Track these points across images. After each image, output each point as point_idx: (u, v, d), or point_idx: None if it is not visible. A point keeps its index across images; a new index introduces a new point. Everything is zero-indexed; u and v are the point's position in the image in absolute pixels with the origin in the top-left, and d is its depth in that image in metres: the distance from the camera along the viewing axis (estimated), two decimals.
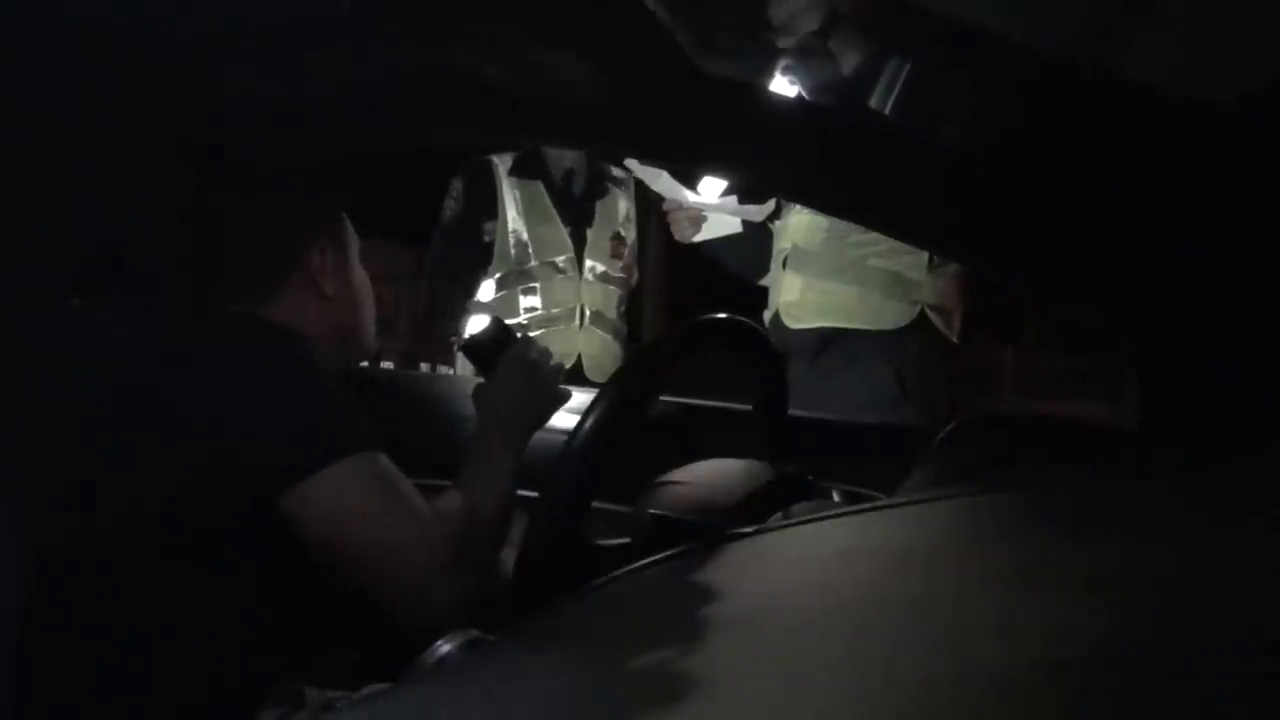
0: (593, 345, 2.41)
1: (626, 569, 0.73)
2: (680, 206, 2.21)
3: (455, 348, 2.42)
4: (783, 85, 1.82)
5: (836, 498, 0.97)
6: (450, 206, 2.48)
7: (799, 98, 1.80)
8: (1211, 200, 0.95)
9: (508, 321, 2.45)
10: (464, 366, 2.34)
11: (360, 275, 1.22)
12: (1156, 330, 1.03)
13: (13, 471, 1.05)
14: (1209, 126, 0.91)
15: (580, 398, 1.29)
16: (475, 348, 1.17)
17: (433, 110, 1.21)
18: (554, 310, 2.40)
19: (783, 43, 1.77)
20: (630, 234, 2.54)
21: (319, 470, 0.95)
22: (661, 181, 2.15)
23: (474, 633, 0.74)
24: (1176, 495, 0.66)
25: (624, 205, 2.54)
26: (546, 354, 1.16)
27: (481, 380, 1.16)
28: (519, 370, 1.13)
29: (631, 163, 2.20)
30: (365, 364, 2.33)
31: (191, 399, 0.99)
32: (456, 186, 2.48)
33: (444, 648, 0.72)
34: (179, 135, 1.24)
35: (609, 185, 2.52)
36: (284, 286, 1.14)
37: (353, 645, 1.06)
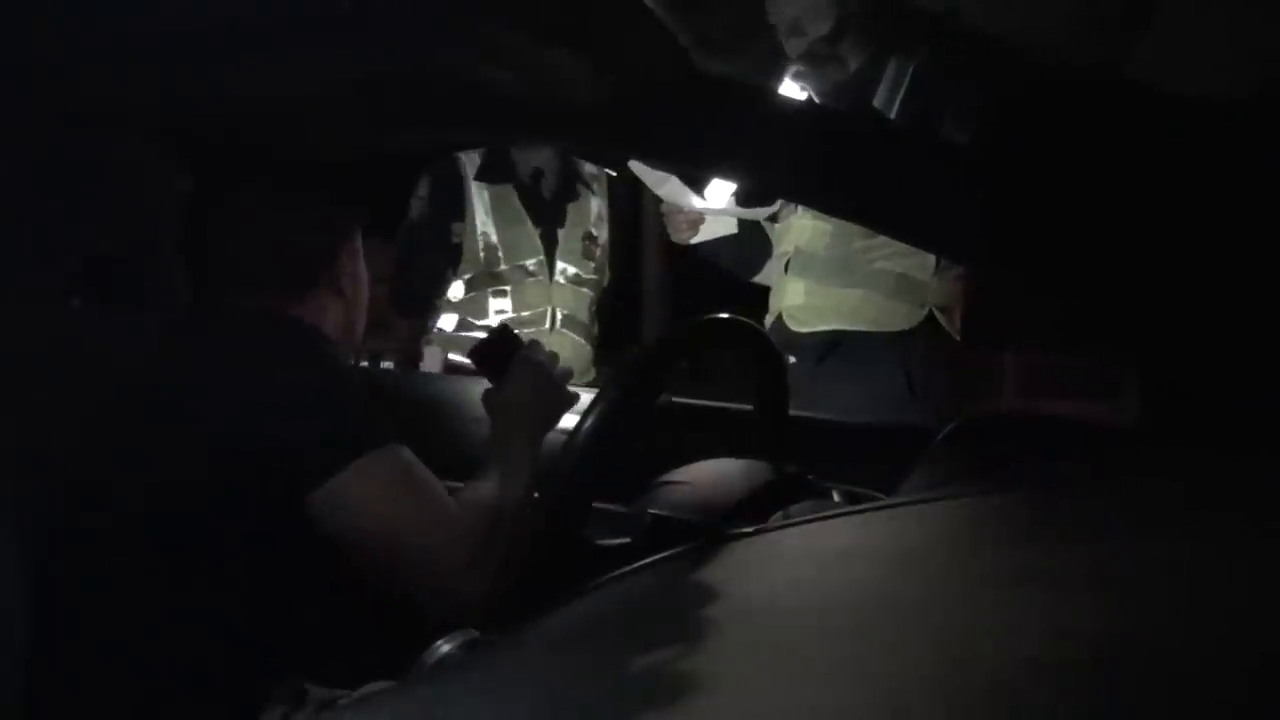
0: (564, 348, 2.39)
1: (626, 569, 0.73)
2: (679, 209, 2.20)
3: (423, 345, 2.45)
4: (792, 89, 1.82)
5: (836, 498, 0.97)
6: (417, 206, 2.44)
7: (806, 100, 1.79)
8: (1211, 199, 0.95)
9: (476, 324, 2.40)
10: (432, 361, 2.37)
11: (364, 272, 1.23)
12: (1156, 330, 1.03)
13: (19, 473, 1.05)
14: (1209, 125, 0.91)
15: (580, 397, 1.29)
16: (483, 353, 1.18)
17: (432, 110, 1.21)
18: (525, 314, 2.39)
19: (792, 48, 1.77)
20: (603, 234, 2.51)
21: (345, 466, 0.96)
22: (667, 187, 2.13)
23: (474, 633, 0.74)
24: (1176, 495, 0.66)
25: (596, 205, 2.51)
26: (554, 357, 1.17)
27: (490, 386, 1.17)
28: (528, 374, 1.14)
29: (637, 167, 2.18)
30: (365, 364, 2.32)
31: (214, 398, 0.98)
32: (423, 187, 2.44)
33: (444, 648, 0.72)
34: (179, 134, 1.24)
35: (580, 186, 2.49)
36: (315, 286, 1.15)
37: (355, 643, 1.06)
